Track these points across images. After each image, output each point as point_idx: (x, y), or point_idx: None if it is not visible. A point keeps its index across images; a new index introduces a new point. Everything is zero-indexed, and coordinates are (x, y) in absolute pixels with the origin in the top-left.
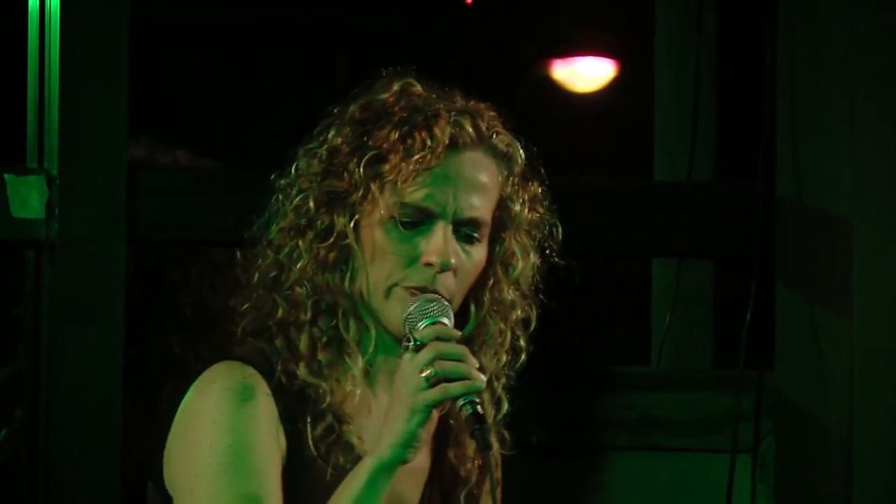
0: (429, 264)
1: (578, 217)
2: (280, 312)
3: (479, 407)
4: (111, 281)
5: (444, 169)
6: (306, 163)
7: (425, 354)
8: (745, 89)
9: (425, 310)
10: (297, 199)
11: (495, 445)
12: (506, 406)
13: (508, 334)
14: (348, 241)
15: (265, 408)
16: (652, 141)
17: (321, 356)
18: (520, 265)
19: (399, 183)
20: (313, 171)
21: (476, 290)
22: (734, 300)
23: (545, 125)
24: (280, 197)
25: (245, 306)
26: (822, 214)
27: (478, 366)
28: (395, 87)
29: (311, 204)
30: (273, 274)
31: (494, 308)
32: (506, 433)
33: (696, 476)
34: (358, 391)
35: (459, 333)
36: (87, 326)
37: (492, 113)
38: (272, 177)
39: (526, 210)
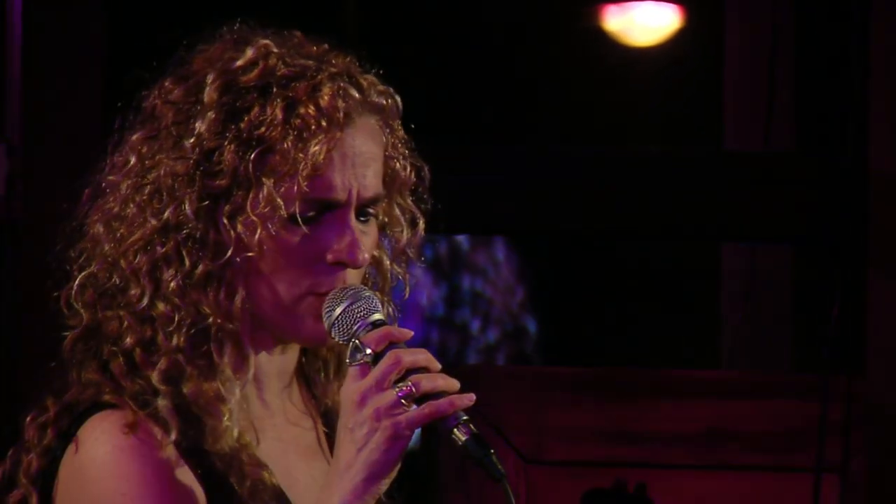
0: (339, 262)
1: (635, 194)
2: (130, 336)
3: (472, 426)
4: None
5: (341, 148)
6: (165, 160)
7: (387, 367)
8: (831, 41)
9: (356, 309)
10: (165, 206)
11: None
12: None
13: (388, 308)
14: (233, 250)
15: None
16: (721, 103)
17: (186, 387)
18: (405, 234)
19: (296, 174)
20: (178, 170)
21: None
22: (818, 292)
23: (596, 84)
24: (125, 199)
25: (76, 328)
26: None
27: (439, 367)
28: (250, 53)
29: (188, 211)
30: (120, 291)
31: (375, 277)
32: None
33: (774, 499)
34: (236, 429)
35: (411, 333)
36: (53, 316)
37: (352, 59)
38: (96, 174)
39: (405, 165)
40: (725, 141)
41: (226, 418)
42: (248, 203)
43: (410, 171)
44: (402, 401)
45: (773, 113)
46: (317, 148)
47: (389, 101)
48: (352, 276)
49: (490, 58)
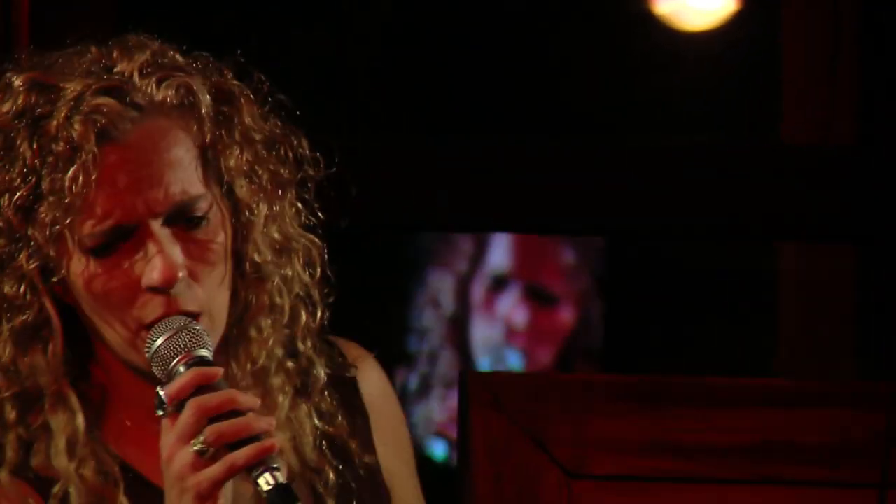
0: (151, 287)
1: (685, 189)
2: None
3: (279, 474)
4: None
5: (111, 170)
6: None
7: (188, 419)
8: None
9: (174, 345)
10: None
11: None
12: (321, 372)
13: (284, 296)
14: (37, 307)
15: None
16: (780, 93)
17: (33, 461)
18: (261, 214)
19: (65, 213)
20: None
21: (234, 259)
22: (881, 294)
23: (646, 73)
24: None
25: None
26: None
27: (256, 405)
28: (17, 82)
29: None
30: None
31: (254, 275)
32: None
33: None
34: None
35: (221, 370)
36: None
37: (145, 56)
38: None
39: (241, 148)
40: (784, 133)
41: (53, 501)
42: (24, 259)
43: (251, 150)
44: (203, 457)
45: (836, 103)
46: (72, 180)
47: (186, 93)
48: (184, 293)
49: (532, 43)
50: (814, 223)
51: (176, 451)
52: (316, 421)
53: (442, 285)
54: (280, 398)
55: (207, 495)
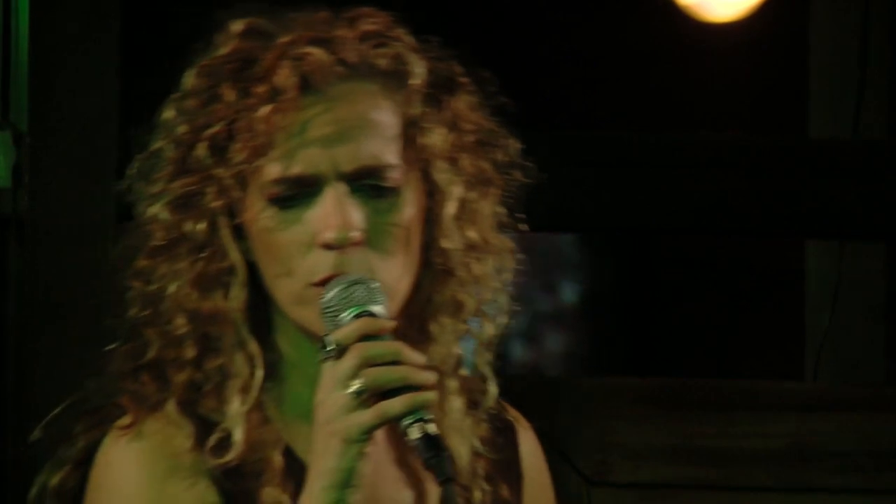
0: (325, 244)
1: (709, 186)
2: (153, 351)
3: (430, 426)
4: (94, 266)
5: (306, 119)
6: (155, 160)
7: (348, 362)
8: None
9: (347, 297)
10: (152, 209)
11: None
12: (495, 390)
13: (471, 296)
14: (221, 250)
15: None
16: (807, 87)
17: (201, 403)
18: (457, 201)
19: (254, 160)
20: (163, 170)
21: (423, 249)
22: None
23: (670, 65)
24: (141, 206)
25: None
26: None
27: (422, 363)
28: (235, 27)
29: (166, 213)
30: (144, 307)
31: (441, 266)
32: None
33: None
34: (236, 437)
35: (393, 324)
36: (64, 321)
37: (371, 26)
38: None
39: (447, 130)
40: (811, 128)
41: (216, 435)
42: (212, 198)
43: (457, 137)
44: (355, 400)
45: (865, 96)
46: (266, 122)
47: (400, 64)
48: (354, 257)
49: (550, 35)
50: (843, 221)
51: (330, 393)
52: (475, 441)
53: None
54: (453, 400)
55: (354, 440)
